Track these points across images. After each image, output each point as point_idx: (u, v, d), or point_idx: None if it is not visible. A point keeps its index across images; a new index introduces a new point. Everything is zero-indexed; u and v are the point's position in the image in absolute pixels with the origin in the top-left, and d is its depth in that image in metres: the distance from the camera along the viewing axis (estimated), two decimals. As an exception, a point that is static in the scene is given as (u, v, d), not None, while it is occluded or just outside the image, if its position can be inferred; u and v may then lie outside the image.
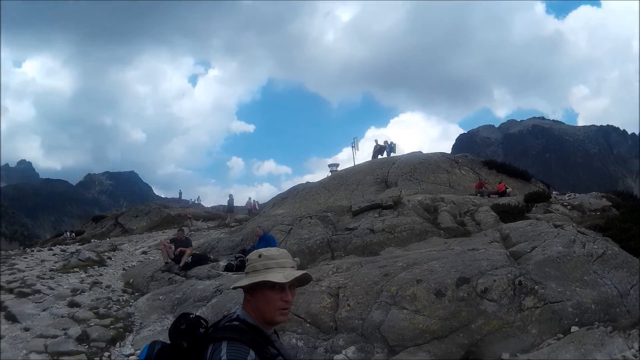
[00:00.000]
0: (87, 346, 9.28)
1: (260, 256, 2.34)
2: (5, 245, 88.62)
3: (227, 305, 9.94)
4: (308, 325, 8.41)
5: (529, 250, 9.90)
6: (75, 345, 9.13)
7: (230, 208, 37.30)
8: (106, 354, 8.99)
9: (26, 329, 10.19)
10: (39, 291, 13.65)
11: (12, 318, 10.83)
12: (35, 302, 12.49)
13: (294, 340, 8.03)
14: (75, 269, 17.95)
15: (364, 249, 14.87)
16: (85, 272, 17.48)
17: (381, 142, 37.39)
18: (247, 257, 2.45)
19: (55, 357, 8.61)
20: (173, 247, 15.82)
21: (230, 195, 37.94)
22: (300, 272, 2.32)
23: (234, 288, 2.48)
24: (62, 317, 11.28)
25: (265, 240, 14.87)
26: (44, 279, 15.83)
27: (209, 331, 2.21)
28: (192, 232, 29.14)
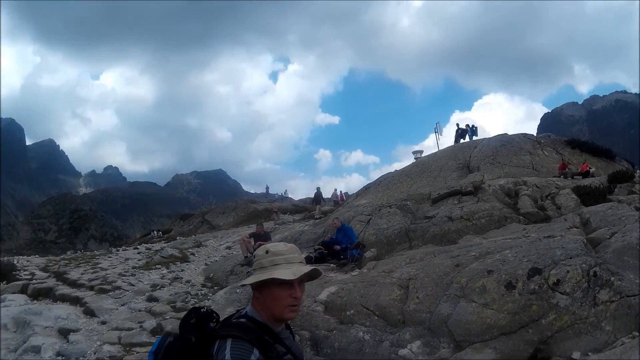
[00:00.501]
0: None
1: (267, 252, 2.31)
2: (95, 246, 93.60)
3: None
4: (376, 318, 8.17)
5: (608, 237, 9.00)
6: (148, 337, 9.28)
7: (317, 200, 37.36)
8: (178, 344, 8.98)
9: (103, 323, 10.55)
10: (119, 287, 14.19)
11: (90, 313, 11.25)
12: (115, 298, 12.98)
13: (361, 333, 7.81)
14: (158, 266, 18.51)
15: (441, 238, 14.48)
16: (167, 269, 17.99)
17: (463, 126, 36.47)
18: (255, 253, 2.45)
19: (127, 348, 8.78)
20: (252, 241, 16.03)
21: (318, 188, 38.20)
22: (308, 268, 2.28)
23: (242, 286, 2.46)
24: (140, 311, 11.59)
25: (343, 232, 14.75)
26: (125, 276, 16.48)
27: (218, 326, 2.23)
28: (277, 226, 29.41)
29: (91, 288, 14.10)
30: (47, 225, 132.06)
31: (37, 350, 8.82)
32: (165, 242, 31.93)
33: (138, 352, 8.51)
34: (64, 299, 13.20)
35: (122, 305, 12.24)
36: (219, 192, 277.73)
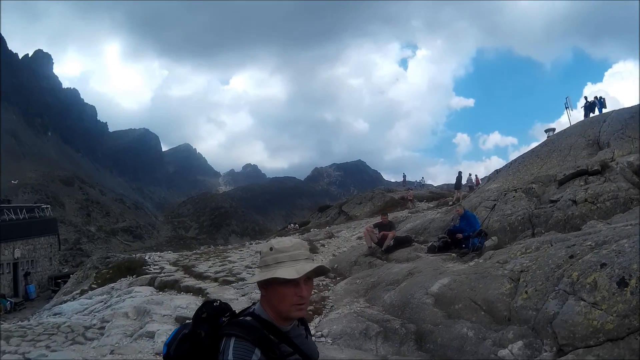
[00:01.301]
0: (273, 327, 9.55)
1: (271, 249, 2.25)
2: (236, 240, 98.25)
3: (413, 289, 9.60)
4: (482, 313, 7.82)
5: None
6: None
7: (458, 185, 36.66)
8: (288, 334, 9.07)
9: None
10: (243, 279, 14.76)
11: None
12: (237, 289, 13.51)
13: (465, 329, 7.52)
14: (285, 258, 18.91)
15: (565, 224, 13.69)
16: (295, 260, 18.30)
17: (591, 99, 33.64)
18: (260, 250, 2.40)
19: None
20: (377, 231, 15.97)
21: (459, 172, 37.31)
22: (313, 265, 2.21)
23: (247, 284, 2.23)
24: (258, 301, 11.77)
25: (466, 219, 14.38)
26: (251, 268, 17.05)
27: (230, 321, 2.20)
28: (410, 214, 29.07)
29: (215, 280, 14.89)
30: (187, 223, 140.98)
31: (151, 335, 9.52)
32: (299, 235, 32.71)
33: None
34: (187, 290, 14.08)
35: (243, 295, 12.67)
36: (360, 182, 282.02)
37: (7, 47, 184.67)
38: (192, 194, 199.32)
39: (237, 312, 2.32)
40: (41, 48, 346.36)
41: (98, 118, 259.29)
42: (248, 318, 2.20)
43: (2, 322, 20.52)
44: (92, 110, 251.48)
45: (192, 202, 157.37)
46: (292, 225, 47.69)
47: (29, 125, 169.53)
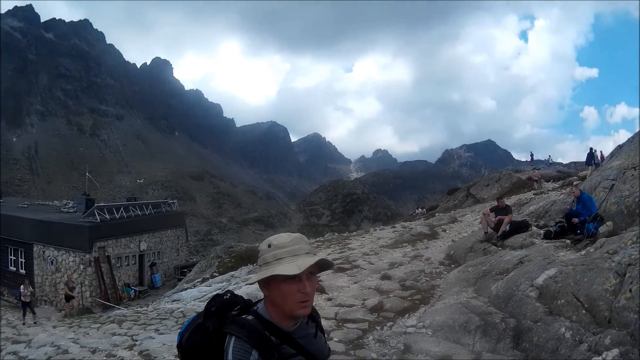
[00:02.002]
0: (375, 315, 9.96)
1: (269, 246, 2.25)
2: (369, 226, 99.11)
3: (519, 279, 9.22)
4: (584, 312, 7.16)
5: None
6: (364, 314, 9.95)
7: (589, 162, 35.17)
8: (389, 323, 9.39)
9: (329, 299, 11.57)
10: (357, 266, 15.27)
11: (321, 290, 12.23)
12: (350, 276, 14.00)
13: (563, 329, 6.94)
14: (404, 244, 19.27)
15: None
16: (413, 247, 18.63)
17: None
18: (259, 247, 2.36)
19: (340, 324, 9.55)
20: (493, 215, 15.76)
21: (591, 149, 35.88)
22: (315, 259, 2.17)
23: (247, 284, 2.57)
24: (369, 289, 12.33)
25: (582, 202, 13.43)
26: (368, 255, 17.58)
27: (233, 319, 2.22)
28: (534, 196, 28.26)
29: None
30: (319, 210, 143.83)
31: None
32: (424, 219, 32.83)
33: (347, 328, 9.19)
34: None
35: (355, 283, 13.14)
36: (490, 163, 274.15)
37: (124, 59, 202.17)
38: (323, 182, 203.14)
39: (249, 304, 2.34)
40: (159, 55, 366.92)
41: (224, 115, 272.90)
42: (250, 317, 2.20)
43: (122, 307, 22.54)
44: (217, 108, 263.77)
45: (324, 190, 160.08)
46: (420, 210, 47.66)
47: (156, 128, 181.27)
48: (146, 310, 16.86)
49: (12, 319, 23.93)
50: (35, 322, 21.76)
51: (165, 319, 13.90)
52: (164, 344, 10.56)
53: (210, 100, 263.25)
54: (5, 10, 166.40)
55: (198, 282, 23.39)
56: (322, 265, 2.25)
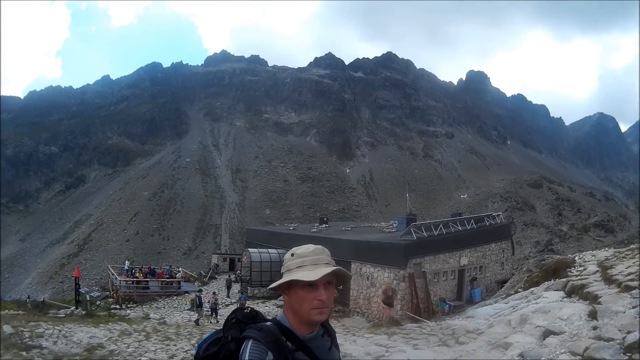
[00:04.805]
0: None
1: (292, 255, 2.48)
2: None
3: None
4: None
5: None
6: (615, 354, 8.06)
7: None
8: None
9: (594, 328, 9.79)
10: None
11: (593, 315, 10.61)
12: (633, 297, 11.77)
13: None
14: None
15: None
16: None
17: None
18: (284, 256, 2.59)
19: (582, 362, 7.98)
20: None
21: None
22: (330, 269, 2.37)
23: (269, 289, 2.73)
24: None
25: None
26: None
27: (252, 325, 2.42)
28: None
29: (618, 285, 12.93)
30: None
31: (505, 347, 9.38)
32: None
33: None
34: (586, 297, 12.77)
35: (633, 308, 10.96)
36: None
37: (439, 79, 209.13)
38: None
39: (267, 319, 2.53)
40: (472, 68, 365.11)
41: (551, 115, 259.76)
42: (268, 323, 2.40)
43: (430, 322, 22.20)
44: (542, 109, 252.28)
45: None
46: None
47: (487, 139, 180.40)
48: (427, 325, 16.94)
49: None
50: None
51: (432, 334, 13.80)
52: (409, 359, 10.63)
53: (533, 102, 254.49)
54: (308, 63, 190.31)
55: (501, 297, 22.66)
56: (340, 277, 2.47)
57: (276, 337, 2.28)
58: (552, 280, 19.63)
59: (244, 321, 2.45)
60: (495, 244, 40.80)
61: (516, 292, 22.70)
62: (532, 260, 31.57)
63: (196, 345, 2.66)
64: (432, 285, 32.49)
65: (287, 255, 2.50)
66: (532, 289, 20.50)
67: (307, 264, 2.38)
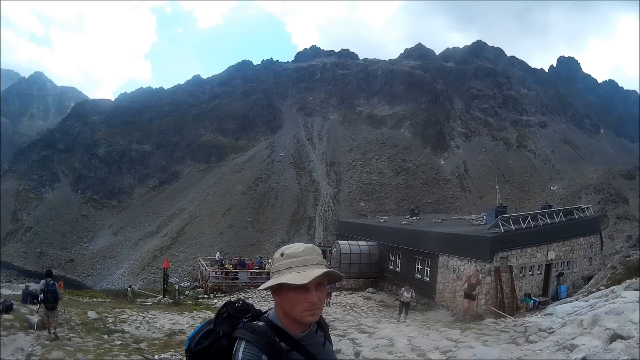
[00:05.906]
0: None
1: (282, 255, 2.38)
2: None
3: None
4: None
5: None
6: None
7: None
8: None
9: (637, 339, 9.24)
10: None
11: None
12: None
13: None
14: None
15: None
16: None
17: None
18: (273, 256, 2.51)
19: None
20: None
21: None
22: (321, 271, 2.30)
23: (259, 290, 2.82)
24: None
25: None
26: None
27: (244, 324, 2.38)
28: None
29: None
30: None
31: (570, 348, 9.31)
32: None
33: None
34: None
35: None
36: None
37: (530, 66, 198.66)
38: None
39: (259, 313, 2.48)
40: (562, 54, 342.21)
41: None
42: (261, 323, 2.31)
43: (514, 317, 21.95)
44: (634, 95, 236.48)
45: None
46: None
47: (580, 128, 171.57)
48: (504, 321, 16.98)
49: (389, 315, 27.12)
50: (405, 321, 23.56)
51: (505, 332, 13.70)
52: (474, 355, 10.69)
53: (625, 88, 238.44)
54: (398, 54, 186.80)
55: (582, 295, 22.19)
56: (332, 277, 2.40)
57: (270, 339, 2.23)
58: (634, 279, 19.22)
59: (235, 315, 2.42)
60: (584, 238, 39.29)
61: (598, 289, 22.05)
62: (617, 257, 30.29)
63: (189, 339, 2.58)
64: (517, 280, 31.87)
65: (277, 255, 2.42)
66: (613, 287, 19.94)
67: (297, 265, 2.30)
